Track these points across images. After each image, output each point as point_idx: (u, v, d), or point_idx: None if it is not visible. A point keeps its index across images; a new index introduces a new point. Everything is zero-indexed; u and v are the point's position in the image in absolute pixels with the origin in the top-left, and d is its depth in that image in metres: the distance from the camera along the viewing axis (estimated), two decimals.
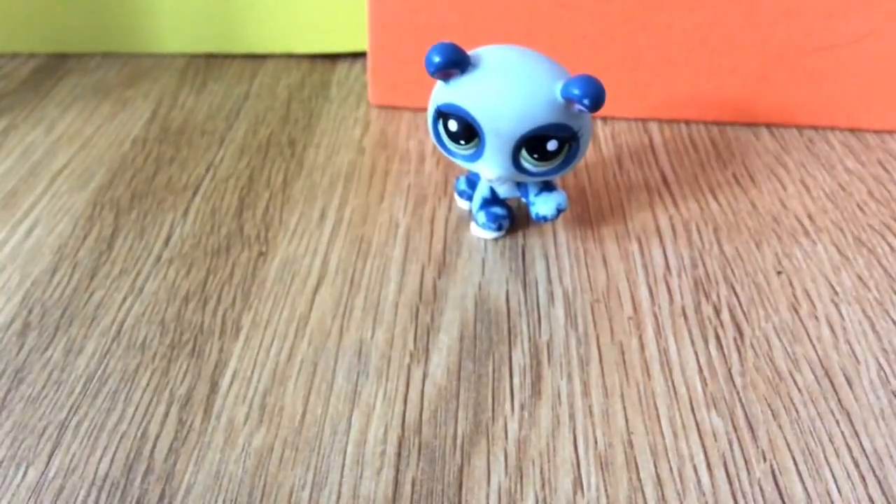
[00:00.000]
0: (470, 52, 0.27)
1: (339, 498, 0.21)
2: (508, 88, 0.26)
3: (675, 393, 0.24)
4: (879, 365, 0.25)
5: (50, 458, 0.22)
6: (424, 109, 0.40)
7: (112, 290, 0.28)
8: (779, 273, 0.29)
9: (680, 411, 0.23)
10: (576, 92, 0.25)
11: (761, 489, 0.21)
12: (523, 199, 0.30)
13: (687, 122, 0.39)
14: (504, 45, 0.28)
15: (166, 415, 0.23)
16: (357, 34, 0.44)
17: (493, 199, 0.30)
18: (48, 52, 0.46)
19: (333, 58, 0.46)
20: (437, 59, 0.26)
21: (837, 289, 0.28)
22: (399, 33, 0.38)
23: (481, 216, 0.30)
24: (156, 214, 0.32)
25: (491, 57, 0.27)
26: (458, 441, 0.23)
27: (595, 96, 0.25)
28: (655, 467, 0.22)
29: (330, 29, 0.44)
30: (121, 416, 0.23)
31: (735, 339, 0.26)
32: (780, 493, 0.21)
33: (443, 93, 0.27)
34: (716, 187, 0.34)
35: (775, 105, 0.38)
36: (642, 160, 0.36)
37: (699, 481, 0.21)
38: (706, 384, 0.24)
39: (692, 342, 0.26)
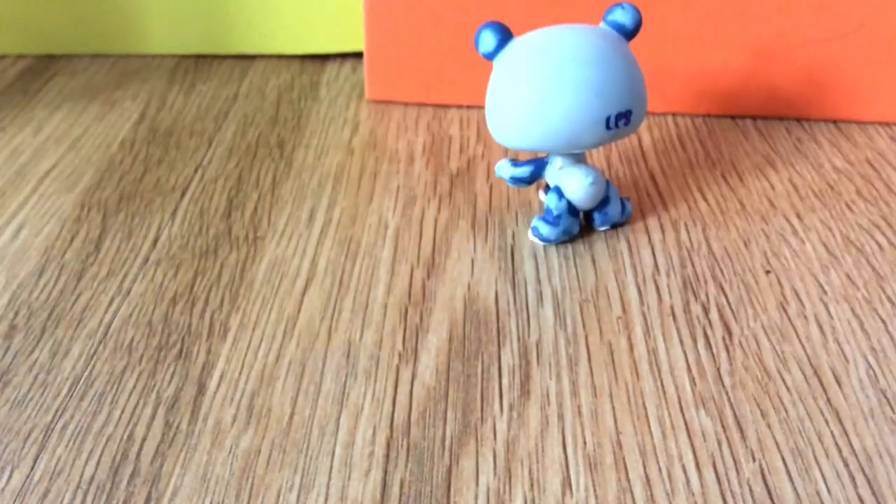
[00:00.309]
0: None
1: (326, 500, 0.21)
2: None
3: (664, 393, 0.24)
4: (868, 364, 0.25)
5: (35, 461, 0.22)
6: (421, 104, 0.40)
7: (99, 291, 0.28)
8: (767, 272, 0.29)
9: (669, 411, 0.23)
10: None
11: (750, 489, 0.21)
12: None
13: (674, 115, 0.39)
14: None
15: (153, 417, 0.23)
16: (347, 35, 0.44)
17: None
18: (36, 54, 0.46)
19: (323, 58, 0.45)
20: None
21: (826, 288, 0.28)
22: (396, 27, 0.38)
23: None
24: (144, 216, 0.32)
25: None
26: (447, 442, 0.23)
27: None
28: (644, 467, 0.22)
29: (319, 29, 0.44)
30: (107, 418, 0.23)
31: (724, 339, 0.26)
32: (769, 493, 0.21)
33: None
34: (704, 186, 0.34)
35: (766, 98, 0.38)
36: (631, 159, 0.36)
37: (688, 481, 0.21)
38: (695, 384, 0.24)
39: (681, 342, 0.26)
